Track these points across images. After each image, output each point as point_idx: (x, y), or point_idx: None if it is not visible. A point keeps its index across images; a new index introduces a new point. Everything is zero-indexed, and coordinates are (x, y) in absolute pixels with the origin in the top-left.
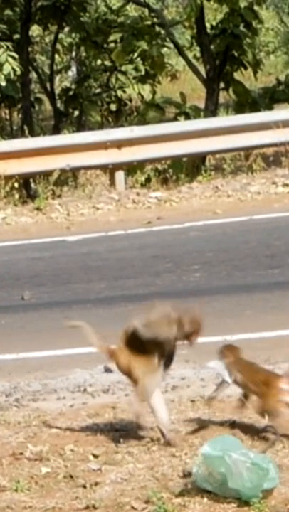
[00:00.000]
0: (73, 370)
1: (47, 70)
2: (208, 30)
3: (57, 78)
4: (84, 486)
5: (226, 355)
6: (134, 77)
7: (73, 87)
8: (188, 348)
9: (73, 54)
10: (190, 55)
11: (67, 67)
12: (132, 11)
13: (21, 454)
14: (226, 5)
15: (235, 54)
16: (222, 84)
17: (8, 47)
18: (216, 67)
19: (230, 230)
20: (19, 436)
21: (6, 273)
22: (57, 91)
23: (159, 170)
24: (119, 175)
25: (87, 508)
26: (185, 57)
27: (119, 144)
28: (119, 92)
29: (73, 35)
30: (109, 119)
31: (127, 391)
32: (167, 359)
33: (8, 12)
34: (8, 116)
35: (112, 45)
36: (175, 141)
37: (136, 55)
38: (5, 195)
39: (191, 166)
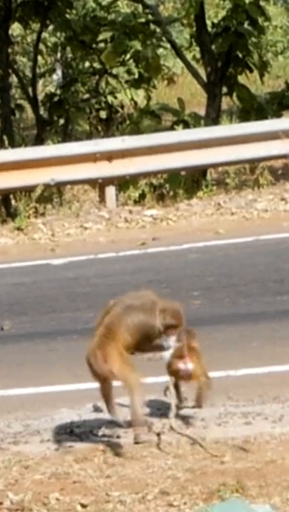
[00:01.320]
0: (58, 409)
1: (29, 74)
2: (209, 29)
3: (40, 82)
4: None
5: None
6: (127, 81)
7: (58, 92)
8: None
9: (58, 55)
10: (189, 56)
11: (52, 70)
12: (124, 7)
13: (0, 503)
14: (228, 0)
15: (240, 55)
16: (225, 89)
17: None
18: (217, 69)
19: (234, 252)
20: None
21: None
22: (40, 97)
23: (154, 185)
24: (110, 190)
25: None
26: (183, 59)
27: (109, 156)
28: (110, 98)
29: (58, 34)
30: (99, 127)
31: (119, 433)
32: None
33: None
34: None
35: (101, 45)
36: (172, 153)
37: (128, 56)
38: None
39: (191, 181)
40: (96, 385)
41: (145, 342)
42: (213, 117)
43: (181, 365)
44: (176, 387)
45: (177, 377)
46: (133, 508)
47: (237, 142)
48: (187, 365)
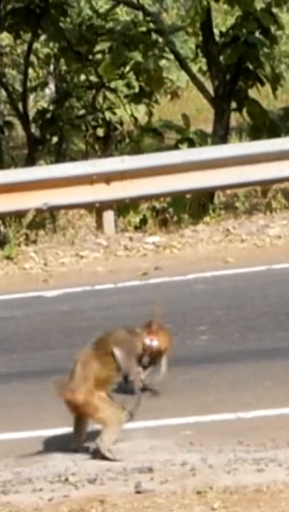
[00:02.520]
0: (52, 455)
1: (19, 88)
2: (217, 38)
3: (31, 97)
4: None
5: None
6: (126, 96)
7: (51, 107)
8: (192, 429)
9: (51, 68)
10: (194, 68)
11: (44, 84)
12: (123, 14)
13: None
14: (238, 7)
15: (250, 67)
16: (234, 104)
17: None
18: (226, 82)
19: (245, 283)
20: None
21: None
22: (31, 113)
23: (156, 209)
24: (108, 215)
25: None
26: (188, 71)
27: (107, 178)
28: (108, 114)
29: (51, 44)
30: (96, 147)
31: (118, 480)
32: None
33: None
34: None
35: (98, 56)
36: (176, 174)
37: (128, 68)
38: None
39: (197, 205)
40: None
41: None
42: (221, 135)
43: (147, 341)
44: None
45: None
46: None
47: (247, 162)
48: (152, 341)
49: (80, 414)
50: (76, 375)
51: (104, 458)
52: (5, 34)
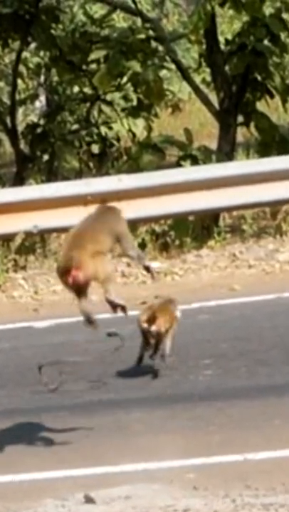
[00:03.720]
0: (43, 500)
1: (7, 100)
2: (222, 46)
3: (20, 111)
4: None
5: None
6: (124, 109)
7: (42, 122)
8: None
9: (42, 79)
10: (198, 79)
11: (34, 96)
12: (120, 20)
13: None
14: (245, 12)
15: (259, 77)
16: (241, 118)
17: None
18: (232, 94)
19: (253, 312)
20: None
21: None
22: (20, 127)
23: (156, 232)
24: None
25: None
26: (191, 82)
27: (103, 199)
28: (104, 129)
29: (42, 53)
30: (90, 164)
31: None
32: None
33: None
34: None
35: (93, 66)
36: (178, 194)
37: (125, 79)
38: None
39: (200, 227)
40: (88, 472)
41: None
42: (226, 151)
43: (144, 326)
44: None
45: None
46: None
47: (255, 181)
48: (151, 326)
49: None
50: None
51: (115, 305)
52: None
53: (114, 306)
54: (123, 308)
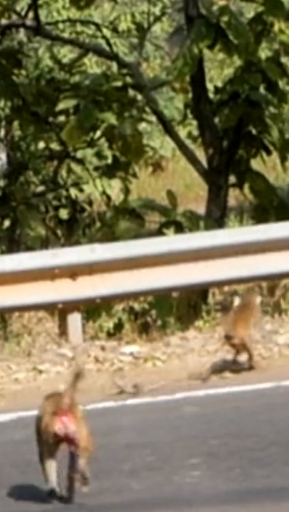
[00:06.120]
0: None
1: None
2: (211, 95)
3: None
4: None
5: None
6: (97, 168)
7: (2, 183)
8: None
9: (2, 133)
10: (182, 133)
11: None
12: (93, 66)
13: None
14: (237, 55)
15: (253, 131)
16: (233, 179)
17: None
18: (223, 151)
19: (247, 404)
20: None
21: None
22: None
23: (135, 311)
24: (74, 319)
25: None
26: (175, 137)
27: (73, 272)
28: (74, 191)
29: (2, 103)
30: (59, 232)
31: None
32: None
33: None
34: None
35: (61, 118)
36: (160, 267)
37: (99, 133)
38: None
39: (186, 306)
40: None
41: None
42: (216, 217)
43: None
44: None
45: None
46: None
47: (250, 252)
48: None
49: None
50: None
51: (84, 477)
52: None
53: (82, 477)
54: (85, 480)
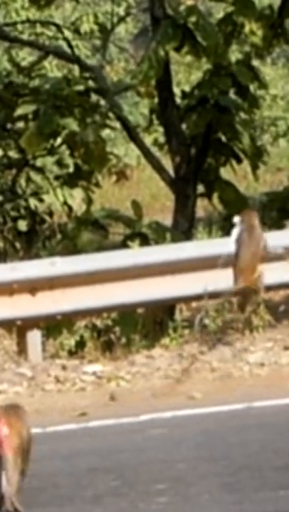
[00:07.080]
0: None
1: None
2: (178, 100)
3: None
4: None
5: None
6: (57, 177)
7: None
8: None
9: None
10: (148, 140)
11: None
12: (53, 69)
13: None
14: (206, 58)
15: (223, 138)
16: (201, 188)
17: None
18: (190, 159)
19: (216, 426)
20: None
21: None
22: None
23: (98, 328)
24: (34, 337)
25: None
26: (140, 145)
27: (32, 287)
28: (33, 202)
29: None
30: (17, 245)
31: None
32: None
33: None
34: None
35: (20, 124)
36: (124, 282)
37: (60, 140)
38: None
39: (152, 322)
40: None
41: None
42: (184, 229)
43: None
44: None
45: None
46: None
47: (219, 265)
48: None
49: None
50: None
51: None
52: None
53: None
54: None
